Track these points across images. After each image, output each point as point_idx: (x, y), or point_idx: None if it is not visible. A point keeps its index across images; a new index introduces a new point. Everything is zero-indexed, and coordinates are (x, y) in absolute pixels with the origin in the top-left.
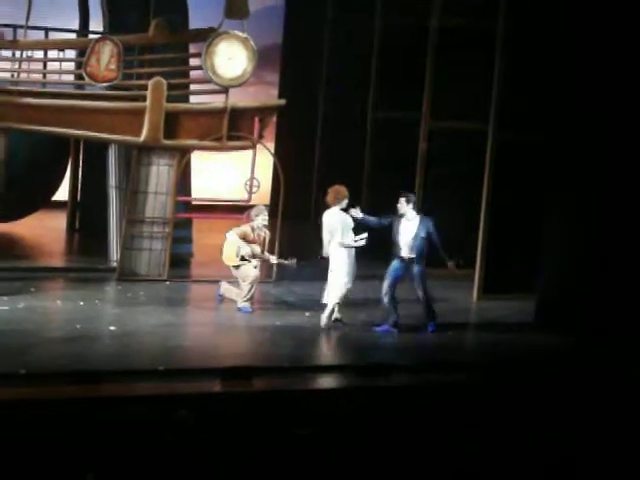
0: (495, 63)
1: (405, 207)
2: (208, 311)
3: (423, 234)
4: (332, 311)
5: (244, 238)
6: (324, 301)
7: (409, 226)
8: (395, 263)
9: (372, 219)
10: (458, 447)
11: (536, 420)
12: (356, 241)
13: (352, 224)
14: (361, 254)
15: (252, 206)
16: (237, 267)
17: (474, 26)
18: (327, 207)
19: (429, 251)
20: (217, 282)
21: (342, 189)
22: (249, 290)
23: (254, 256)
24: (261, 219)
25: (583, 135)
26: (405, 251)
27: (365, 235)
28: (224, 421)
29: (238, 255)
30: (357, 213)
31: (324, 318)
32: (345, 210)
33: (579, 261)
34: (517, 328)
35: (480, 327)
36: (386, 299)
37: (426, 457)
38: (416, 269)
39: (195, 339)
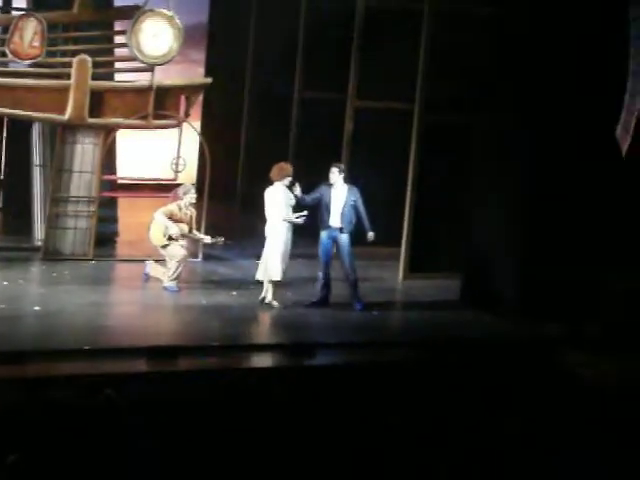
0: (421, 44)
1: (337, 177)
2: (134, 290)
3: (352, 202)
4: (275, 288)
5: (171, 217)
6: (259, 278)
7: (338, 195)
8: (323, 237)
9: (307, 197)
10: (390, 427)
11: (466, 399)
12: (297, 218)
13: (294, 201)
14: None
15: (178, 185)
16: (164, 247)
17: (401, 6)
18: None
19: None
20: (143, 261)
21: (286, 166)
22: (176, 269)
23: (182, 236)
24: (189, 197)
25: (508, 115)
26: (334, 220)
27: (305, 213)
28: (150, 401)
29: (166, 235)
30: (298, 191)
31: (269, 297)
32: (288, 187)
33: (504, 239)
34: (443, 306)
35: (407, 306)
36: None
37: (357, 438)
38: (344, 238)
39: (121, 318)
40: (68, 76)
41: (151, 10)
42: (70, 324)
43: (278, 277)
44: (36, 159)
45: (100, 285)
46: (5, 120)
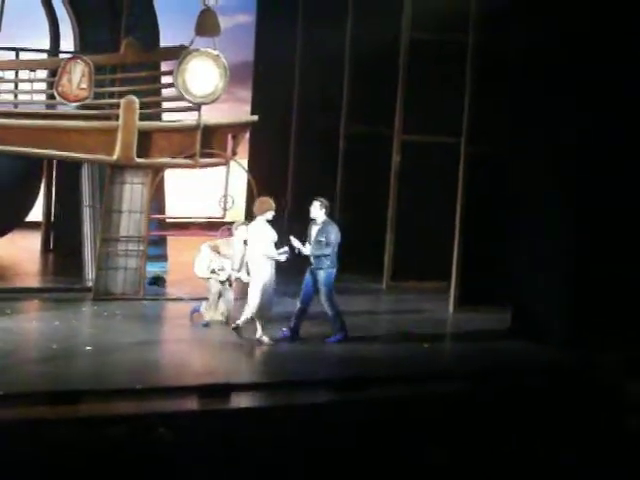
0: (466, 76)
1: (318, 212)
2: (184, 329)
3: (322, 238)
4: (245, 323)
5: (217, 252)
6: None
7: (315, 230)
8: (307, 272)
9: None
10: (441, 458)
11: (521, 430)
12: (280, 254)
13: (275, 237)
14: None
15: (226, 223)
16: (207, 280)
17: (445, 40)
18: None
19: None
20: (193, 300)
21: (268, 200)
22: (211, 302)
23: (223, 269)
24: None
25: (552, 145)
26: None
27: (287, 249)
28: (203, 439)
29: (209, 268)
30: (297, 243)
31: (236, 321)
32: (270, 222)
33: (553, 270)
34: (494, 338)
35: (458, 338)
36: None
37: (412, 471)
38: (319, 274)
39: (172, 357)
40: (116, 117)
41: (197, 50)
42: (122, 363)
43: (248, 315)
44: (86, 200)
45: (151, 324)
46: (55, 162)
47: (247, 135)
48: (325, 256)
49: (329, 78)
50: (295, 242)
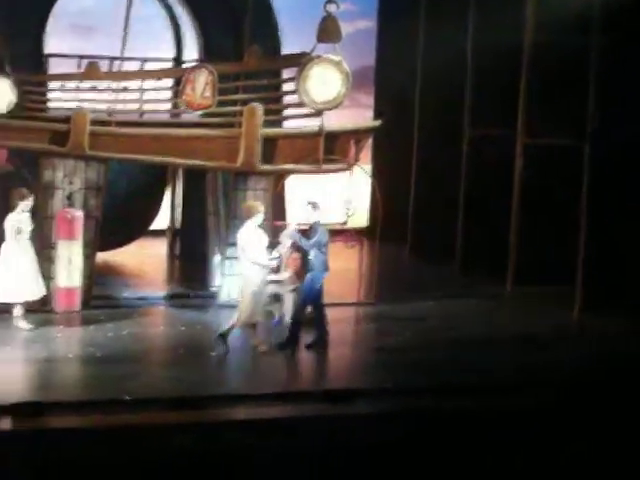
0: (590, 79)
1: (312, 213)
2: (309, 334)
3: (307, 244)
4: (230, 331)
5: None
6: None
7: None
8: None
9: (305, 242)
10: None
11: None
12: (271, 259)
13: (267, 242)
14: None
15: (348, 229)
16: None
17: (569, 41)
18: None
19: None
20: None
21: (255, 204)
22: None
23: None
24: None
25: None
26: None
27: (277, 255)
28: (323, 445)
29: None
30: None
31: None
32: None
33: None
34: (619, 344)
35: (580, 343)
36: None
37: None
38: (306, 277)
39: (297, 362)
40: (239, 124)
41: (318, 56)
42: (245, 369)
43: (236, 321)
44: (210, 206)
45: (276, 329)
46: (180, 169)
47: (370, 140)
48: (316, 258)
49: (451, 81)
50: (294, 233)
